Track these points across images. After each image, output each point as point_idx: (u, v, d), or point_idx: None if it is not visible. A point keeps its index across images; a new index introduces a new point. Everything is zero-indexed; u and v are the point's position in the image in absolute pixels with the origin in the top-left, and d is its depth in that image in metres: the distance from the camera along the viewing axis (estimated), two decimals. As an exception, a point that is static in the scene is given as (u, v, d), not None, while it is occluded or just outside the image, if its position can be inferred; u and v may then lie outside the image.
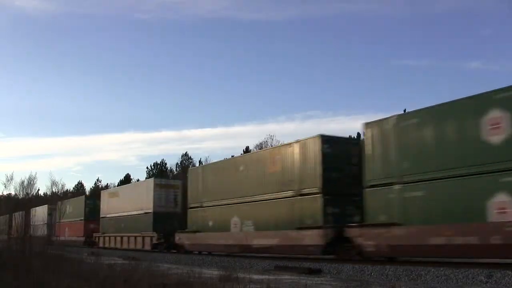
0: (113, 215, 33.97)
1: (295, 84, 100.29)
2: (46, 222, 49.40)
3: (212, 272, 13.23)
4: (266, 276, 12.68)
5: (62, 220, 44.14)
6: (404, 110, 36.94)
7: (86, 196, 45.88)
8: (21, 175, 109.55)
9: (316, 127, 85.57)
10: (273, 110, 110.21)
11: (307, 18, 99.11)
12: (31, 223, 54.23)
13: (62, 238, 43.48)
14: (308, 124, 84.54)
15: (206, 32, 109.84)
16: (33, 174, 29.10)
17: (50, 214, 49.52)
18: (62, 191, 63.43)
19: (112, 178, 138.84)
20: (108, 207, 35.22)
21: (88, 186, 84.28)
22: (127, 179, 68.75)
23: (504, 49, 79.91)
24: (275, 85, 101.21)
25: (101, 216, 36.15)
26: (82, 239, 39.44)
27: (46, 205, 52.90)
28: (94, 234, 37.25)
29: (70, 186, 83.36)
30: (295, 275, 13.73)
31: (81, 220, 40.90)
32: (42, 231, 48.80)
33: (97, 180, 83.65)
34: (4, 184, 24.00)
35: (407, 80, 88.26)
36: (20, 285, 10.19)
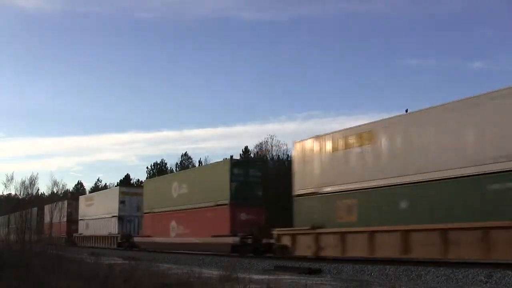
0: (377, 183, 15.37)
1: (297, 84, 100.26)
2: (117, 214, 34.73)
3: (212, 272, 13.23)
4: (266, 276, 12.68)
5: (160, 209, 28.02)
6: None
7: (232, 161, 24.47)
8: (21, 175, 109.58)
9: (317, 127, 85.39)
10: (274, 110, 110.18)
11: (309, 17, 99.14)
12: (83, 218, 41.37)
13: (162, 239, 27.35)
14: (310, 124, 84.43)
15: (207, 32, 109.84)
16: (34, 174, 28.82)
17: (123, 201, 34.58)
18: (62, 191, 61.48)
19: (112, 178, 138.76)
20: (338, 169, 16.74)
21: (88, 186, 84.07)
22: (127, 179, 68.73)
23: (506, 49, 79.90)
24: (276, 85, 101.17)
25: (312, 189, 17.60)
26: (228, 240, 21.67)
27: (117, 188, 38.91)
28: (278, 231, 18.92)
29: (70, 186, 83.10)
30: (295, 275, 13.74)
31: (219, 205, 22.67)
32: (108, 228, 35.86)
33: (98, 180, 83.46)
34: (5, 184, 23.97)
35: (408, 80, 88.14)
36: (20, 285, 10.19)
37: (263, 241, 20.73)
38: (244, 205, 22.20)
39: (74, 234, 42.63)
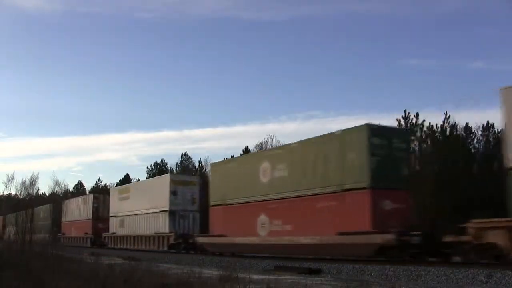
0: None
1: (297, 84, 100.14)
2: (167, 208, 27.20)
3: (212, 272, 13.23)
4: (266, 276, 12.68)
5: (239, 200, 21.05)
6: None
7: (371, 127, 16.44)
8: (21, 175, 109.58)
9: (318, 127, 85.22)
10: (275, 110, 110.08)
11: (310, 17, 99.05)
12: (116, 214, 33.39)
13: (245, 239, 20.42)
14: (310, 124, 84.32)
15: (208, 32, 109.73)
16: (35, 174, 28.36)
17: (174, 192, 27.45)
18: (62, 191, 60.62)
19: (112, 178, 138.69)
20: None
21: (88, 186, 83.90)
22: (126, 179, 68.60)
23: (507, 49, 79.81)
24: (277, 85, 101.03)
25: None
26: (373, 239, 15.27)
27: (168, 176, 29.06)
28: (477, 224, 13.08)
29: (70, 186, 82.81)
30: (295, 275, 13.74)
31: (350, 190, 16.24)
32: (154, 226, 28.23)
33: (98, 180, 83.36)
34: (5, 184, 23.86)
35: (409, 80, 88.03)
36: (20, 285, 10.19)
37: (443, 239, 13.97)
38: (389, 189, 15.74)
39: (104, 234, 35.13)
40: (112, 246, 33.54)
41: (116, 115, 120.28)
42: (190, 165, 60.21)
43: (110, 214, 35.04)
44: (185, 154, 65.14)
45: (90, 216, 37.75)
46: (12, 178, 24.05)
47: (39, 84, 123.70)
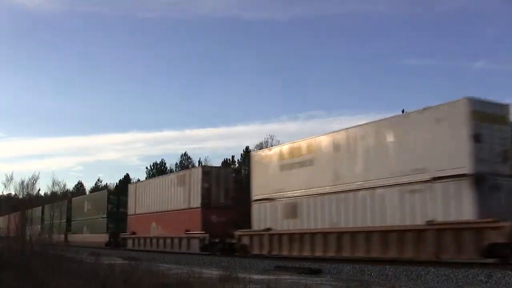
0: None
1: (298, 84, 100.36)
2: (470, 169, 12.45)
3: (212, 272, 13.24)
4: (266, 276, 12.68)
5: None
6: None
7: None
8: (21, 175, 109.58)
9: (319, 127, 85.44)
10: (276, 110, 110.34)
11: (311, 17, 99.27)
12: (275, 196, 18.88)
13: None
14: (311, 124, 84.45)
15: (209, 32, 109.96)
16: (36, 174, 27.85)
17: (478, 136, 12.68)
18: (62, 191, 59.82)
19: (112, 178, 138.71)
20: None
21: (88, 186, 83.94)
22: (126, 179, 68.61)
23: (508, 48, 79.95)
24: (278, 85, 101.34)
25: None
26: None
27: (465, 101, 12.90)
28: None
29: (69, 186, 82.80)
30: (295, 275, 13.76)
31: None
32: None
33: (98, 180, 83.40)
34: (4, 184, 23.75)
35: (410, 79, 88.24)
36: (20, 285, 10.20)
37: None
38: None
39: (239, 232, 20.74)
40: (266, 253, 19.40)
41: (116, 115, 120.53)
42: (190, 165, 60.23)
43: (256, 197, 20.27)
44: (185, 154, 65.26)
45: (198, 203, 23.15)
46: (11, 178, 23.91)
47: (39, 84, 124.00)
